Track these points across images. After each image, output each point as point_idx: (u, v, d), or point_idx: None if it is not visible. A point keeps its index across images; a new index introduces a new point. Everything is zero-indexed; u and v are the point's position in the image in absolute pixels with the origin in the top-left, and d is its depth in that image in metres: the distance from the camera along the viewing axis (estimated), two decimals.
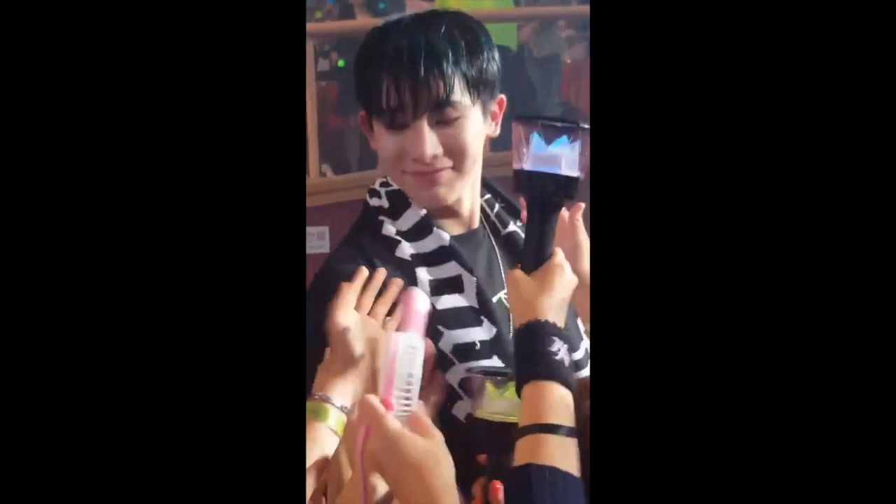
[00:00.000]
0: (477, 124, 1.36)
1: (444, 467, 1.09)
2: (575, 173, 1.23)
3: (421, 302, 1.25)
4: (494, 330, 1.39)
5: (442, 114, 1.32)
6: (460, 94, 1.33)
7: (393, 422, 1.08)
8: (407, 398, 1.12)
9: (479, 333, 1.40)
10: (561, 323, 1.20)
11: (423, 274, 1.33)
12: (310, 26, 3.27)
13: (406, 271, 1.32)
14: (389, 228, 1.40)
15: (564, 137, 1.25)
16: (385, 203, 1.43)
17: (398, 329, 1.24)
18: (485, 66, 1.36)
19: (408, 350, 1.13)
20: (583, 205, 1.46)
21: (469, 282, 1.39)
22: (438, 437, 1.09)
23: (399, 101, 1.32)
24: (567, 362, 1.15)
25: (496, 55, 1.40)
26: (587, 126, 1.23)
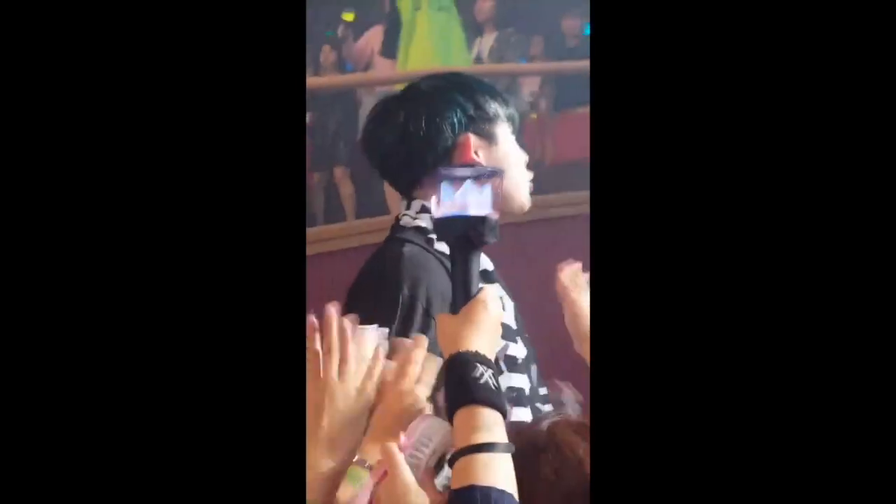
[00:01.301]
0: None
1: None
2: (484, 212, 1.30)
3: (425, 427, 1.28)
4: (525, 350, 1.59)
5: None
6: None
7: (408, 474, 1.13)
8: (421, 450, 1.18)
9: (517, 350, 1.59)
10: (488, 354, 1.25)
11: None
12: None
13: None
14: (441, 246, 1.56)
15: (469, 182, 1.31)
16: (430, 225, 1.59)
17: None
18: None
19: (432, 425, 1.21)
20: (577, 264, 1.58)
21: (509, 304, 1.61)
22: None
23: None
24: (493, 386, 1.21)
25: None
26: (498, 170, 1.33)
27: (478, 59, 3.39)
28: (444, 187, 1.32)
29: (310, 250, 3.16)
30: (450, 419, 1.21)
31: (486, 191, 1.31)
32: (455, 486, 1.12)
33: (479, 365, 1.21)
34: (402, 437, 1.18)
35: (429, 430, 1.20)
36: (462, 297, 1.31)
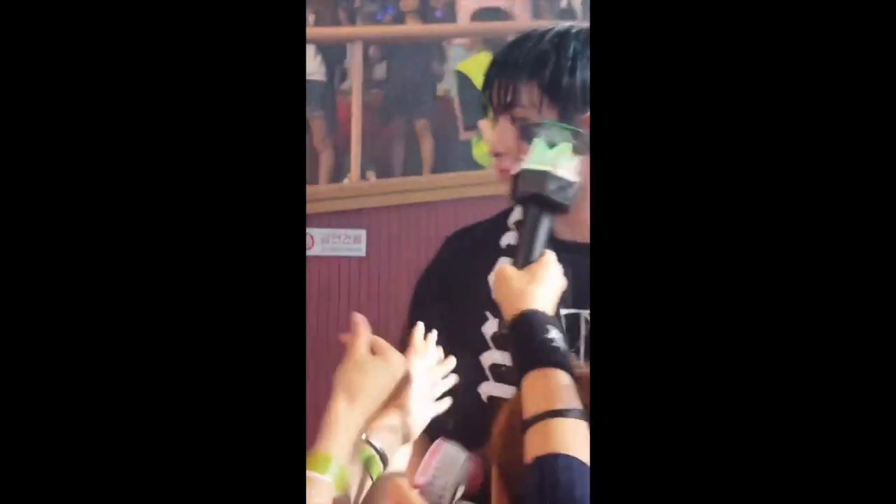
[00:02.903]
0: None
1: None
2: (572, 178, 1.25)
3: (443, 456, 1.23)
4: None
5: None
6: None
7: None
8: (437, 487, 1.13)
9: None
10: (552, 314, 1.19)
11: None
12: (355, 30, 3.28)
13: None
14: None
15: (565, 143, 1.27)
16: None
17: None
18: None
19: (447, 459, 1.15)
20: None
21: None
22: None
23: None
24: (564, 349, 1.14)
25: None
26: (587, 133, 1.27)
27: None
28: (538, 143, 1.29)
29: (389, 200, 3.19)
30: (518, 380, 1.15)
31: (577, 157, 1.28)
32: (536, 453, 1.05)
33: (550, 326, 1.16)
34: (417, 475, 1.13)
35: (444, 463, 1.15)
36: (527, 255, 1.27)
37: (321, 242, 3.19)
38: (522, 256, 1.27)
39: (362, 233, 3.24)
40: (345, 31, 3.27)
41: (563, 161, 1.27)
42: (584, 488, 1.01)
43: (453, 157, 3.24)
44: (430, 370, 1.31)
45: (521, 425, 1.10)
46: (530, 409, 1.10)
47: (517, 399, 1.16)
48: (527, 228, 1.29)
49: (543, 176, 1.27)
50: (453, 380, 1.34)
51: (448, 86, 3.26)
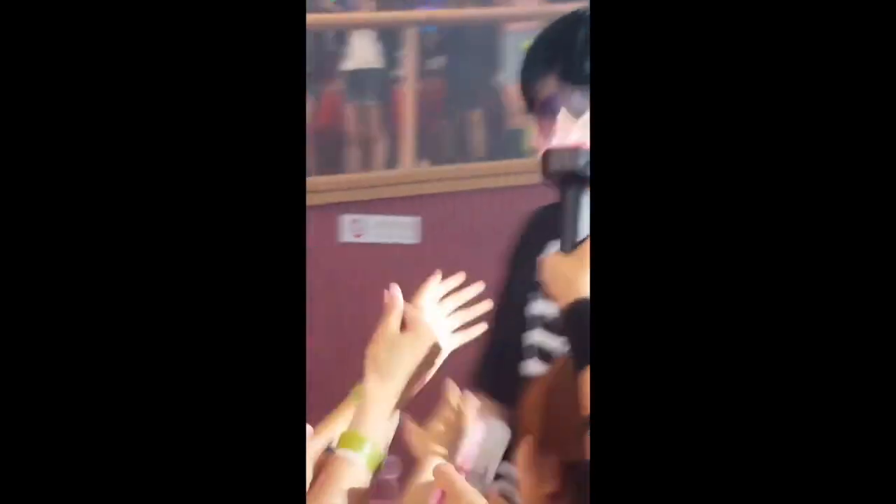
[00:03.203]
0: None
1: None
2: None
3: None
4: None
5: None
6: None
7: (475, 496, 1.02)
8: (481, 468, 1.13)
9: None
10: None
11: None
12: (412, 14, 3.28)
13: None
14: None
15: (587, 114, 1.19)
16: None
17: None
18: None
19: (490, 438, 1.15)
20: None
21: None
22: None
23: None
24: None
25: None
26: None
27: None
28: (566, 114, 1.24)
29: (442, 188, 3.21)
30: (577, 371, 1.12)
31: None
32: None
33: None
34: (459, 457, 1.12)
35: (488, 442, 1.13)
36: (573, 236, 1.21)
37: (374, 229, 3.21)
38: (568, 240, 1.22)
39: (418, 220, 3.24)
40: (402, 15, 3.28)
41: (587, 132, 1.21)
42: None
43: (508, 144, 3.23)
44: (440, 301, 1.33)
45: (581, 420, 1.06)
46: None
47: (558, 370, 1.13)
48: (567, 209, 1.23)
49: (574, 153, 1.22)
50: (480, 312, 1.33)
51: (505, 73, 3.25)
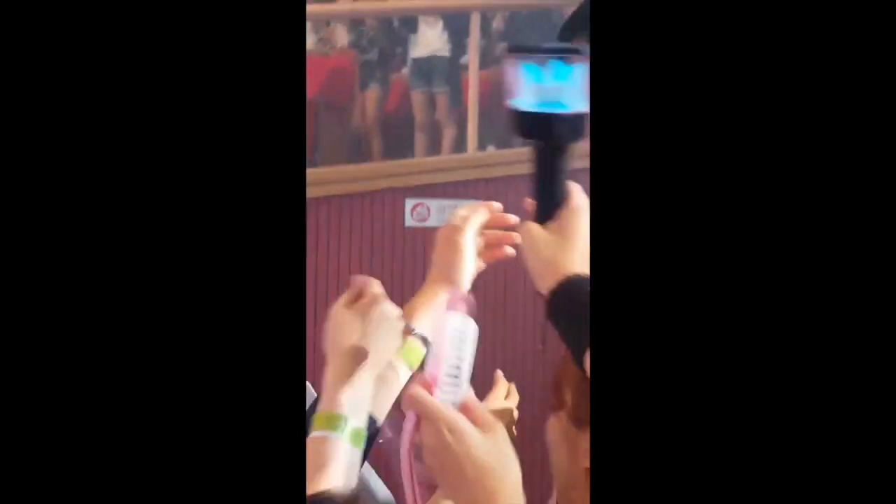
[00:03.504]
0: None
1: (510, 470, 0.95)
2: (580, 107, 1.08)
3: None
4: None
5: None
6: None
7: (451, 413, 0.94)
8: (454, 383, 0.99)
9: None
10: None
11: None
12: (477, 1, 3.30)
13: None
14: None
15: (561, 65, 1.07)
16: None
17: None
18: None
19: (455, 333, 1.01)
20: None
21: None
22: (500, 429, 0.96)
23: None
24: None
25: None
26: (583, 48, 1.05)
27: None
28: (528, 70, 1.08)
29: (508, 171, 3.22)
30: (576, 361, 1.05)
31: (577, 76, 1.07)
32: None
33: None
34: (428, 369, 0.99)
35: (454, 340, 1.00)
36: (549, 204, 1.10)
37: (437, 213, 3.25)
38: (544, 206, 1.11)
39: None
40: (467, 1, 3.31)
41: (564, 86, 1.08)
42: None
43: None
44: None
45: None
46: None
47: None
48: (544, 172, 1.11)
49: (546, 118, 1.09)
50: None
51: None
